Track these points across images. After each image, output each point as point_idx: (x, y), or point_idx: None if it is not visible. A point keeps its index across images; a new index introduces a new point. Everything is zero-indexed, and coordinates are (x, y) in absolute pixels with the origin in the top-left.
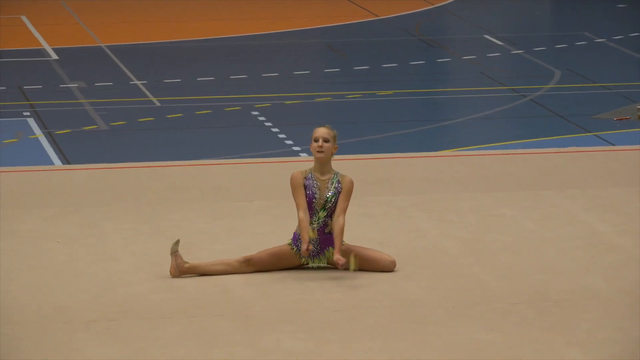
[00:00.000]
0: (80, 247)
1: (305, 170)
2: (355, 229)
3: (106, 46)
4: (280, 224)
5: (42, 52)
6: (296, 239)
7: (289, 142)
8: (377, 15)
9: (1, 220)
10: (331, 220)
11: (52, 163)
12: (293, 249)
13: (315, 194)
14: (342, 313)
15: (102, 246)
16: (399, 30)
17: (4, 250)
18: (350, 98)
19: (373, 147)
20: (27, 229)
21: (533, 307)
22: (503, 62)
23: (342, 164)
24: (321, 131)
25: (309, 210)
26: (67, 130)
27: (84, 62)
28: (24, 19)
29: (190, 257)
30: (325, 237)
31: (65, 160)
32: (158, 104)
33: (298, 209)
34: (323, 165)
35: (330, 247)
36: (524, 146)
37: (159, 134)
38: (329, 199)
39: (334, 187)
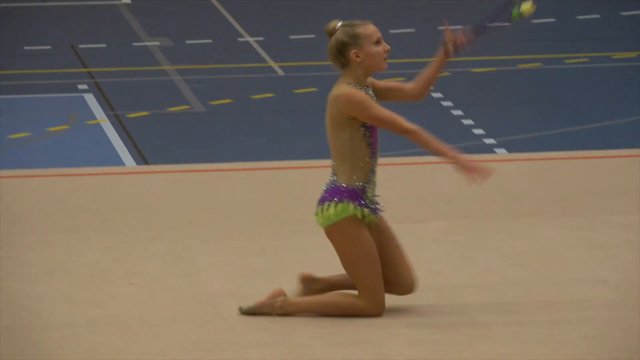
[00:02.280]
0: (162, 290)
1: (351, 85)
2: (578, 264)
3: None
4: (468, 258)
5: None
6: (355, 195)
7: (477, 131)
8: None
9: (46, 247)
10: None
11: (121, 163)
12: (359, 212)
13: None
14: None
15: (196, 289)
16: None
17: (49, 296)
18: (569, 64)
19: (606, 139)
20: (84, 263)
21: None
22: None
23: (558, 165)
24: (375, 29)
25: (375, 142)
26: (144, 113)
27: (169, 6)
28: None
29: None
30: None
31: (142, 158)
32: (281, 72)
33: (398, 122)
34: (368, 77)
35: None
36: None
37: (281, 118)
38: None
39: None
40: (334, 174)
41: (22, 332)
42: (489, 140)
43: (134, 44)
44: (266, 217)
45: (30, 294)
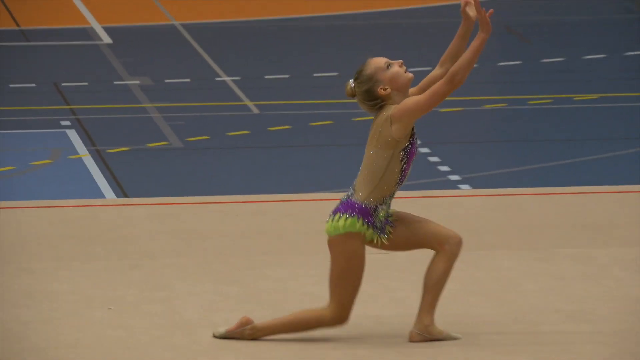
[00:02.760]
0: (139, 317)
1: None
2: (535, 294)
3: (181, 24)
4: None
5: (88, 33)
6: (367, 213)
7: (443, 168)
8: None
9: (29, 275)
10: None
11: (102, 195)
12: (365, 230)
13: (417, 143)
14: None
15: (172, 316)
16: (611, 4)
17: (31, 321)
18: (533, 105)
19: (566, 177)
20: (66, 289)
21: None
22: None
23: (519, 201)
24: (378, 59)
25: (407, 169)
26: (124, 148)
27: (149, 48)
28: None
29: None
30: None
31: (122, 191)
32: (256, 110)
33: (439, 86)
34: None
35: (387, 226)
36: None
37: (257, 154)
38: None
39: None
40: (354, 189)
41: (8, 353)
42: (454, 177)
43: (115, 82)
44: (241, 247)
45: (15, 318)
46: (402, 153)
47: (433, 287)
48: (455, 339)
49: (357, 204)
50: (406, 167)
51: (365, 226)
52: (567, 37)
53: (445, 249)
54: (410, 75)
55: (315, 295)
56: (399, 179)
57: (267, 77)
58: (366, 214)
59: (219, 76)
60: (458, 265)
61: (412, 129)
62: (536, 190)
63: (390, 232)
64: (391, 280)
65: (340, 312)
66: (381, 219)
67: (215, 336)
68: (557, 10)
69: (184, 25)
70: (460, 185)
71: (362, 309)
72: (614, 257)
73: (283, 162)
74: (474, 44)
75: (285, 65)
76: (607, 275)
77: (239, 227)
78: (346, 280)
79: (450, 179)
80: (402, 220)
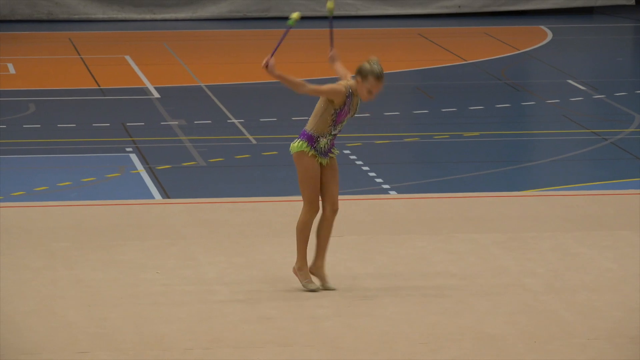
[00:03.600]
0: (176, 277)
1: (346, 88)
2: (439, 264)
3: (206, 86)
4: (370, 259)
5: (144, 91)
6: (311, 139)
7: (379, 180)
8: (465, 60)
9: (103, 250)
10: None
11: (152, 197)
12: (310, 151)
13: (350, 111)
14: (427, 345)
15: (198, 277)
16: (486, 74)
17: (105, 279)
18: (437, 139)
19: (459, 186)
20: (128, 259)
21: (610, 342)
22: (585, 106)
23: (429, 202)
24: (381, 86)
25: (337, 122)
26: (167, 166)
27: (184, 100)
28: (128, 58)
29: (275, 285)
30: (334, 138)
31: (165, 194)
32: (254, 141)
33: (307, 85)
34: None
35: (334, 149)
36: (604, 187)
37: (254, 170)
38: (353, 115)
39: (358, 106)
40: (308, 123)
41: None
42: (386, 186)
43: (162, 122)
44: (244, 232)
45: (100, 277)
46: (333, 111)
47: (320, 238)
48: (330, 289)
49: (306, 132)
50: (336, 120)
51: (309, 148)
52: (457, 94)
53: (324, 214)
54: (367, 99)
55: (291, 262)
56: (332, 124)
57: (261, 119)
58: (310, 139)
59: (230, 119)
60: (388, 243)
61: (344, 102)
62: (440, 195)
63: (327, 162)
64: (341, 255)
65: (310, 206)
66: (322, 146)
67: (310, 290)
68: (451, 77)
69: (207, 86)
70: (390, 192)
71: None
72: (492, 240)
73: (273, 176)
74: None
75: (273, 111)
76: (487, 252)
77: (243, 219)
78: (305, 183)
79: (383, 187)
80: (331, 169)
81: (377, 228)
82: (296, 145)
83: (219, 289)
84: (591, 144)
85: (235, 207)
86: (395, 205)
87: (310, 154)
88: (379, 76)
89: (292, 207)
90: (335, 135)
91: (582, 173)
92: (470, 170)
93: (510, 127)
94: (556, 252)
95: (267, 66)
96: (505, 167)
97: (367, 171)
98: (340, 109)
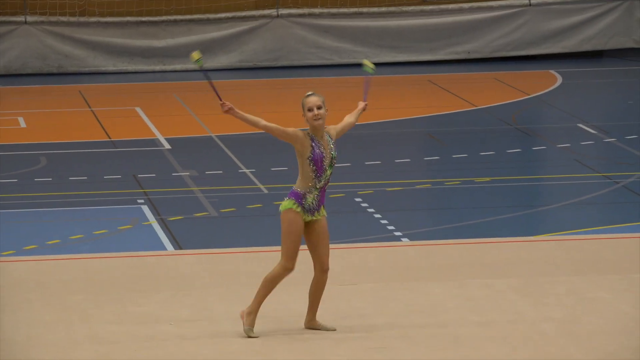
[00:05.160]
0: (191, 328)
1: (305, 133)
2: (454, 310)
3: (216, 136)
4: (384, 306)
5: (155, 142)
6: (298, 197)
7: (390, 227)
8: (475, 105)
9: (117, 302)
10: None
11: (164, 248)
12: (297, 208)
13: (323, 153)
14: None
15: (213, 327)
16: (496, 120)
17: (120, 332)
18: (449, 185)
19: (471, 232)
20: (142, 311)
21: None
22: (596, 150)
23: (442, 248)
24: (313, 100)
25: (319, 171)
26: (179, 217)
27: (195, 151)
28: (139, 110)
29: (291, 335)
30: (322, 192)
31: (177, 245)
32: (266, 191)
33: (261, 121)
34: (320, 130)
35: (323, 208)
36: (618, 231)
37: (266, 219)
38: (334, 156)
39: (333, 144)
40: (296, 183)
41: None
42: (398, 233)
43: (173, 174)
44: (257, 281)
45: (112, 331)
46: (308, 161)
47: (311, 295)
48: (329, 329)
49: (293, 190)
50: (317, 170)
51: (296, 205)
52: (468, 140)
53: (315, 273)
54: (315, 123)
55: (289, 304)
56: (314, 176)
57: (272, 169)
58: (297, 197)
59: (241, 169)
60: (402, 290)
61: (311, 146)
62: (452, 241)
63: (312, 220)
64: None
65: (287, 262)
66: (310, 203)
67: (249, 336)
68: (461, 123)
69: (218, 136)
70: (402, 239)
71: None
72: (507, 285)
73: None
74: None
75: (284, 160)
76: (502, 298)
77: (257, 268)
78: (286, 239)
79: (395, 234)
80: (321, 230)
81: (390, 275)
82: (284, 203)
83: (234, 340)
84: (603, 188)
85: (248, 257)
86: (407, 252)
87: (297, 210)
88: (306, 95)
89: (306, 255)
90: (321, 189)
91: (595, 217)
92: (483, 216)
93: (521, 172)
94: (572, 296)
95: (227, 110)
96: (517, 212)
97: (379, 219)
98: (312, 154)
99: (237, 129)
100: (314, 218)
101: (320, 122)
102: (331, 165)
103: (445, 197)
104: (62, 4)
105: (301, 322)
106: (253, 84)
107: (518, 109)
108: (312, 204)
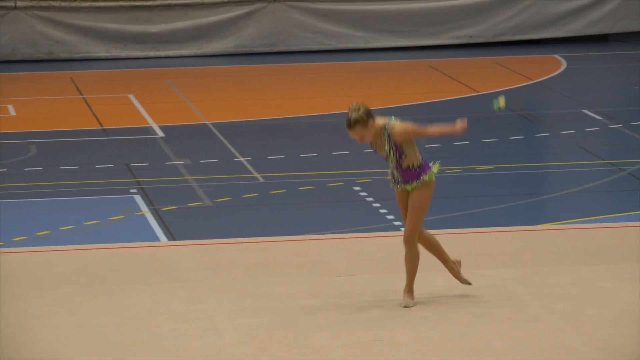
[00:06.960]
0: (184, 321)
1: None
2: (455, 301)
3: (211, 124)
4: (383, 298)
5: (148, 130)
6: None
7: (389, 216)
8: (477, 91)
9: (108, 295)
10: (404, 157)
11: (157, 239)
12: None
13: (379, 152)
14: None
15: (206, 320)
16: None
17: (111, 325)
18: (450, 173)
19: (474, 221)
20: (134, 304)
21: None
22: (601, 136)
23: (443, 238)
24: (351, 135)
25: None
26: (173, 207)
27: (189, 139)
28: (132, 97)
29: (286, 328)
30: (405, 172)
31: (171, 236)
32: (262, 180)
33: (419, 129)
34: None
35: (414, 181)
36: (623, 219)
37: (262, 209)
38: (387, 152)
39: (387, 140)
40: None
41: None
42: (397, 223)
43: (166, 162)
44: (251, 273)
45: (107, 321)
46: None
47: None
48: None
49: (425, 163)
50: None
51: (391, 177)
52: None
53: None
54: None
55: (303, 303)
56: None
57: (269, 157)
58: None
59: (237, 157)
60: (402, 281)
61: (372, 144)
62: (454, 231)
63: (401, 190)
64: None
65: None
66: (391, 177)
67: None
68: (463, 109)
69: (213, 124)
70: (401, 229)
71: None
72: (510, 275)
73: (281, 215)
74: (443, 129)
75: (281, 149)
76: (505, 288)
77: (252, 259)
78: (427, 207)
79: (394, 224)
80: (409, 201)
81: (390, 266)
82: (431, 174)
83: (228, 333)
84: (608, 175)
85: (244, 247)
86: None
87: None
88: (346, 125)
89: (303, 246)
90: (394, 167)
91: (600, 205)
92: (485, 204)
93: (525, 160)
94: (576, 286)
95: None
96: (520, 200)
97: (377, 208)
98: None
99: (232, 116)
100: (399, 188)
101: (363, 142)
102: (389, 158)
103: (447, 186)
104: None
105: (297, 312)
106: (249, 70)
107: (521, 94)
108: (394, 177)
